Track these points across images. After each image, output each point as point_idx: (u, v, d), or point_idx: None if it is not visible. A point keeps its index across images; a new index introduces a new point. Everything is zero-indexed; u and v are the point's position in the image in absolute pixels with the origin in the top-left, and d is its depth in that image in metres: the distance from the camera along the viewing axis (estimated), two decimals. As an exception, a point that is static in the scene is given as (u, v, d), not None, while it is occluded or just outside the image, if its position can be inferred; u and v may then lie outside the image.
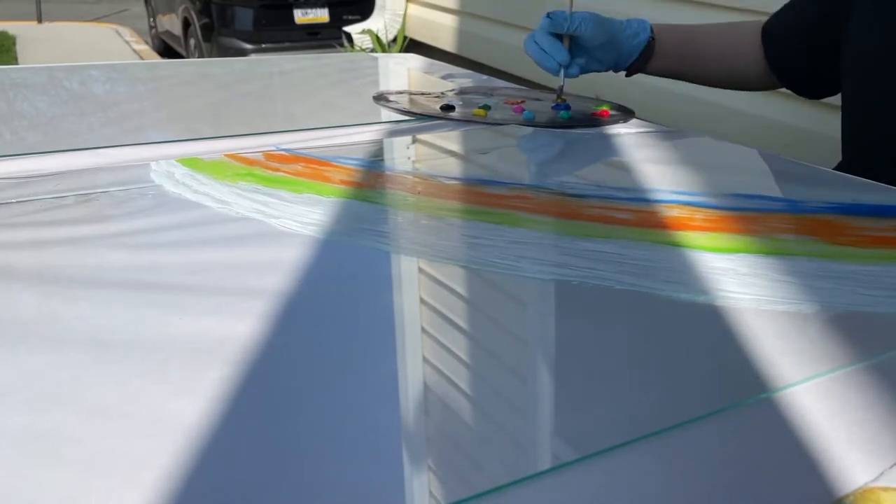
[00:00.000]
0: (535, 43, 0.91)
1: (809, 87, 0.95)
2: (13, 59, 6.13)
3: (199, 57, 5.43)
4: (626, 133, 0.82)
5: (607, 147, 0.79)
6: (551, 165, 0.71)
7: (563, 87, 0.92)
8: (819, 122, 1.34)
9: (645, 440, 0.32)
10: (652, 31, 0.96)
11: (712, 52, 0.99)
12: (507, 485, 0.29)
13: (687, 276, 0.47)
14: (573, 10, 0.90)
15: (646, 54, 0.95)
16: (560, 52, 0.90)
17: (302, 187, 0.60)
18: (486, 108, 0.86)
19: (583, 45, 0.91)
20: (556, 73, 0.91)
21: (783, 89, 0.98)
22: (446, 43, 2.72)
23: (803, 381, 0.36)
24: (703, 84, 1.01)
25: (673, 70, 0.99)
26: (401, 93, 0.99)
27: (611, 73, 1.00)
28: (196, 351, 0.38)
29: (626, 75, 0.99)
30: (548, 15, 0.91)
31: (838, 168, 0.82)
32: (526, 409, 0.37)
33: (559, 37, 0.91)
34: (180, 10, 5.82)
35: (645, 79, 1.04)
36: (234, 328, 0.40)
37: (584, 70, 0.94)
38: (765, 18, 0.97)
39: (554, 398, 0.37)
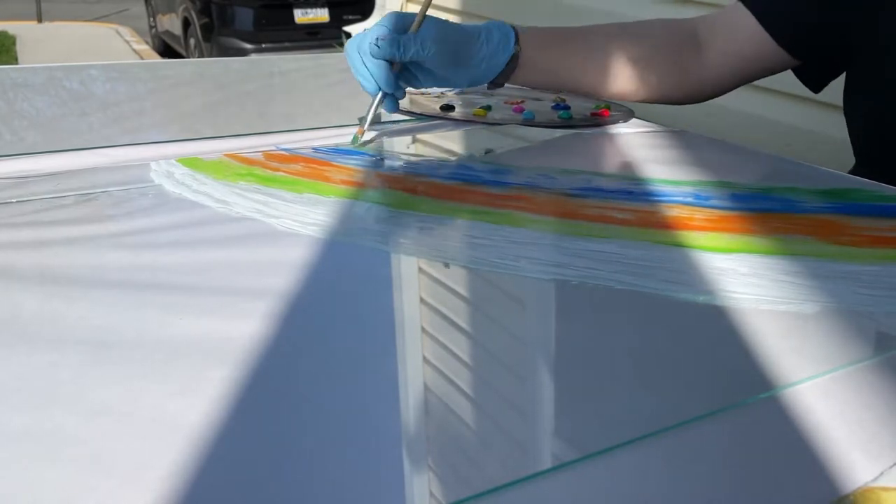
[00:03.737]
0: (361, 60, 0.74)
1: (814, 66, 0.84)
2: (13, 59, 6.13)
3: (199, 57, 5.43)
4: (626, 133, 0.82)
5: (607, 147, 0.79)
6: (551, 165, 0.71)
7: (368, 118, 0.74)
8: (819, 122, 1.34)
9: (645, 440, 0.32)
10: (518, 40, 0.81)
11: (613, 50, 0.84)
12: (507, 485, 0.29)
13: (687, 275, 0.47)
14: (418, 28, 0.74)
15: (507, 70, 0.81)
16: (387, 81, 0.74)
17: (302, 187, 0.60)
18: (486, 108, 0.86)
19: (426, 68, 0.76)
20: (373, 96, 0.75)
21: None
22: (446, 43, 2.71)
23: (803, 381, 0.36)
24: (606, 94, 0.87)
25: (548, 80, 0.86)
26: (401, 93, 0.98)
27: None
28: (196, 351, 0.38)
29: (488, 88, 0.85)
30: (377, 41, 0.72)
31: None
32: (526, 409, 0.37)
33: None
34: (180, 9, 5.83)
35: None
36: (234, 328, 0.40)
37: (420, 85, 0.78)
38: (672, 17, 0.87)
39: (554, 398, 0.37)
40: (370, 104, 0.75)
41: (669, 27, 0.88)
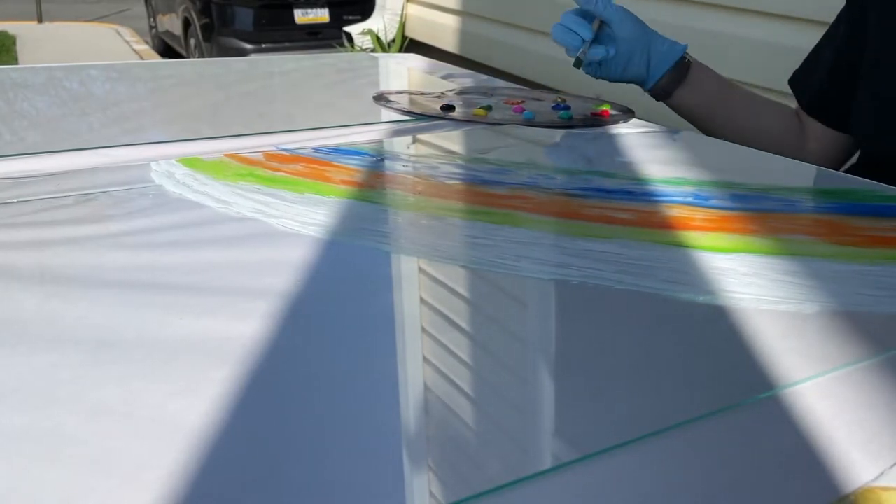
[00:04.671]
0: (562, 25, 0.87)
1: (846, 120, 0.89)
2: (13, 59, 6.13)
3: (199, 57, 5.43)
4: (626, 133, 0.82)
5: (607, 147, 0.79)
6: (551, 165, 0.71)
7: (581, 62, 0.86)
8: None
9: (645, 440, 0.32)
10: (688, 56, 0.89)
11: (744, 111, 0.92)
12: (507, 485, 0.29)
13: (687, 275, 0.47)
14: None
15: (676, 76, 0.89)
16: (585, 31, 0.85)
17: (302, 187, 0.60)
18: (487, 108, 0.86)
19: (613, 36, 0.86)
20: (576, 54, 0.86)
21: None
22: (446, 43, 2.72)
23: (803, 381, 0.36)
24: (727, 138, 0.90)
25: (700, 110, 0.91)
26: (401, 93, 0.99)
27: None
28: (196, 351, 0.38)
29: (655, 97, 0.92)
30: None
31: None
32: (526, 409, 0.37)
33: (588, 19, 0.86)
34: (180, 10, 5.82)
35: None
36: (234, 328, 0.40)
37: (605, 71, 0.88)
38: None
39: (554, 398, 0.37)
40: (579, 51, 0.87)
41: (787, 114, 0.94)
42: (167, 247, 0.51)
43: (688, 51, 0.90)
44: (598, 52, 0.86)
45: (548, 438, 0.34)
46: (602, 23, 0.86)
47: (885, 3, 0.81)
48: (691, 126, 0.97)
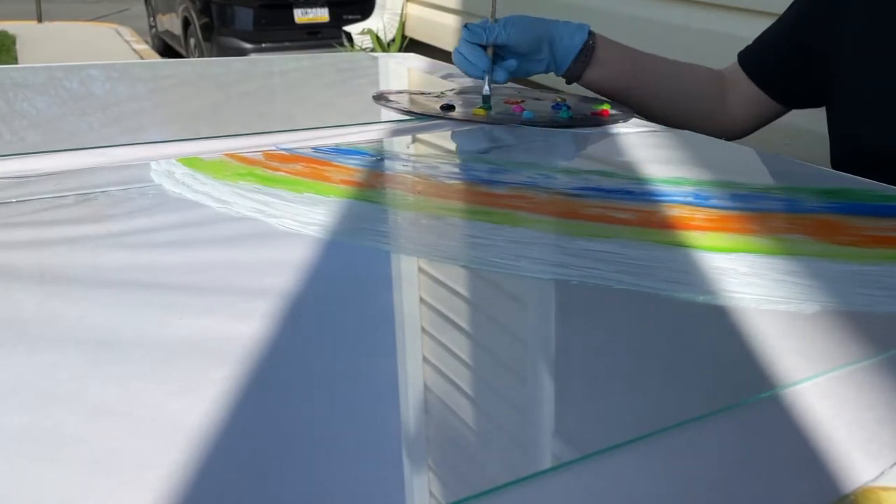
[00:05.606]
0: (460, 53, 0.91)
1: (794, 97, 0.94)
2: (13, 59, 6.13)
3: (199, 57, 5.43)
4: (626, 132, 0.82)
5: (607, 146, 0.79)
6: (551, 165, 0.71)
7: (489, 95, 0.89)
8: (819, 122, 1.34)
9: (645, 440, 0.32)
10: (593, 37, 0.93)
11: (660, 78, 0.96)
12: (507, 484, 0.29)
13: (687, 275, 0.47)
14: (496, 18, 0.90)
15: (583, 59, 0.92)
16: (481, 60, 0.90)
17: (302, 187, 0.60)
18: (487, 108, 0.86)
19: (511, 49, 0.90)
20: (483, 80, 0.90)
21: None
22: (446, 43, 2.72)
23: (803, 381, 0.36)
24: (644, 111, 0.94)
25: (613, 84, 0.95)
26: (401, 92, 0.99)
27: None
28: (196, 351, 0.38)
29: (567, 81, 0.96)
30: (465, 26, 0.91)
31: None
32: (526, 409, 0.37)
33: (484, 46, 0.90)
34: (180, 9, 5.82)
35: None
36: (234, 328, 0.40)
37: (516, 73, 0.92)
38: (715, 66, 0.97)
39: (554, 398, 0.37)
40: (484, 82, 0.90)
41: (709, 73, 0.97)
42: (167, 247, 0.51)
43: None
44: (500, 76, 0.91)
45: (548, 438, 0.34)
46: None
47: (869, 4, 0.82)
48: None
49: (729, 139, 0.94)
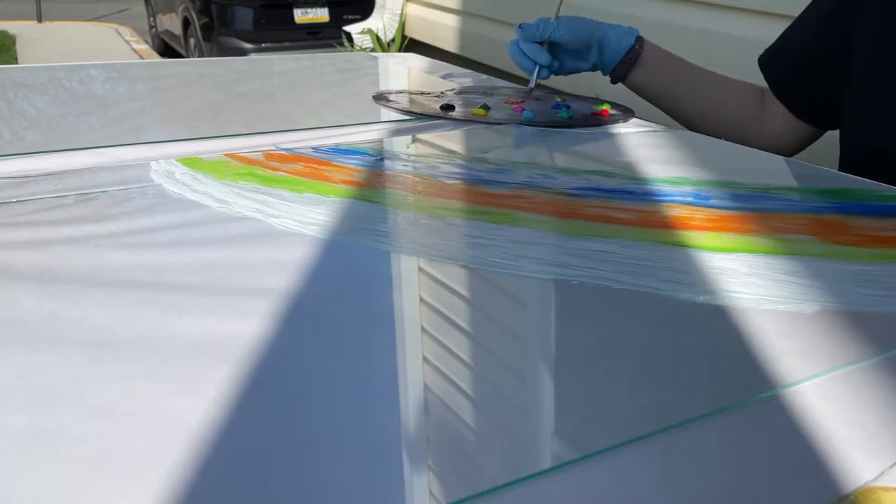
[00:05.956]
0: (518, 48, 0.96)
1: (817, 115, 0.92)
2: (13, 59, 6.13)
3: (199, 57, 5.43)
4: (626, 132, 0.82)
5: (607, 146, 0.79)
6: (551, 165, 0.71)
7: (532, 87, 0.96)
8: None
9: (645, 440, 0.32)
10: (641, 42, 0.96)
11: (702, 87, 0.97)
12: (507, 484, 0.29)
13: (687, 275, 0.47)
14: (559, 15, 0.94)
15: (629, 61, 0.95)
16: (541, 55, 0.94)
17: (302, 187, 0.60)
18: (486, 107, 0.86)
19: (564, 48, 0.95)
20: (532, 81, 0.95)
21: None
22: (446, 42, 2.72)
23: (803, 381, 0.36)
24: (683, 118, 0.98)
25: (656, 88, 0.97)
26: (401, 92, 0.99)
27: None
28: (196, 351, 0.38)
29: (612, 81, 0.99)
30: (519, 26, 0.95)
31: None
32: (526, 409, 0.37)
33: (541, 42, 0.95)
34: (180, 9, 5.82)
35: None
36: (234, 328, 0.40)
37: (561, 70, 0.97)
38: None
39: (554, 398, 0.37)
40: (533, 74, 0.95)
41: (751, 93, 0.97)
42: (167, 246, 0.51)
43: (649, 38, 0.97)
44: (543, 74, 0.96)
45: (548, 438, 0.34)
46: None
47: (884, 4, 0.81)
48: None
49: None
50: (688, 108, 0.97)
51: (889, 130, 0.80)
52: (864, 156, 0.83)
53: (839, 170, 0.85)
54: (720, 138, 0.85)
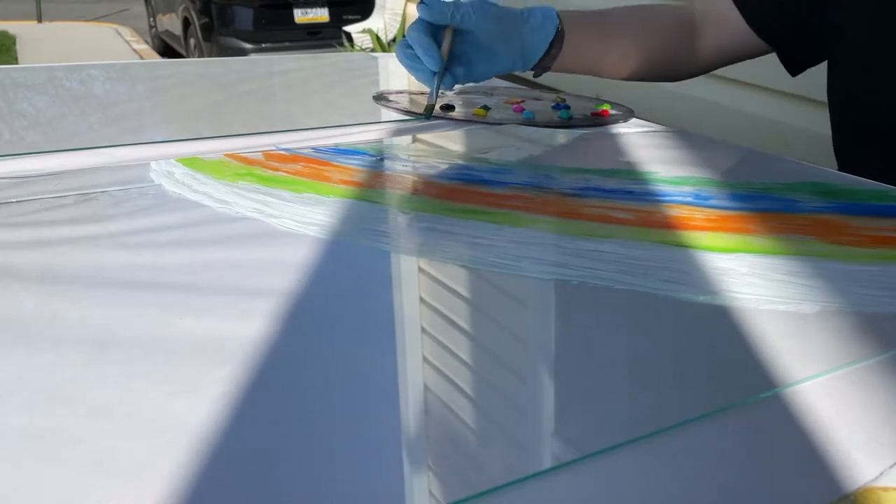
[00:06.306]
0: (408, 47, 0.76)
1: (793, 54, 0.86)
2: (13, 59, 6.13)
3: (199, 57, 5.43)
4: (626, 133, 0.82)
5: (607, 147, 0.79)
6: (551, 165, 0.71)
7: (433, 105, 0.79)
8: (819, 122, 1.34)
9: (645, 440, 0.32)
10: (560, 20, 0.82)
11: (632, 46, 0.87)
12: (507, 485, 0.29)
13: (687, 275, 0.47)
14: None
15: (554, 51, 0.82)
16: (433, 59, 0.75)
17: (302, 187, 0.60)
18: (486, 108, 0.86)
19: (473, 42, 0.77)
20: (429, 84, 0.78)
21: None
22: (446, 43, 2.71)
23: (803, 381, 0.36)
24: (613, 77, 0.88)
25: (585, 66, 0.86)
26: (401, 92, 0.99)
27: None
28: (196, 351, 0.38)
29: (534, 76, 0.86)
30: (422, 1, 0.75)
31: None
32: (526, 409, 0.37)
33: (437, 35, 0.76)
34: (180, 9, 5.83)
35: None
36: (234, 328, 0.40)
37: (469, 79, 0.80)
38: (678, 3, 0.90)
39: (554, 398, 0.37)
40: (433, 87, 0.78)
41: (677, 15, 0.90)
42: (167, 246, 0.51)
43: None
44: (448, 83, 0.78)
45: (548, 438, 0.34)
46: (457, 31, 0.77)
47: None
48: (691, 126, 0.97)
49: (688, 78, 0.91)
50: (616, 72, 0.88)
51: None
52: (866, 112, 0.79)
53: (833, 128, 0.84)
54: (650, 79, 0.81)
